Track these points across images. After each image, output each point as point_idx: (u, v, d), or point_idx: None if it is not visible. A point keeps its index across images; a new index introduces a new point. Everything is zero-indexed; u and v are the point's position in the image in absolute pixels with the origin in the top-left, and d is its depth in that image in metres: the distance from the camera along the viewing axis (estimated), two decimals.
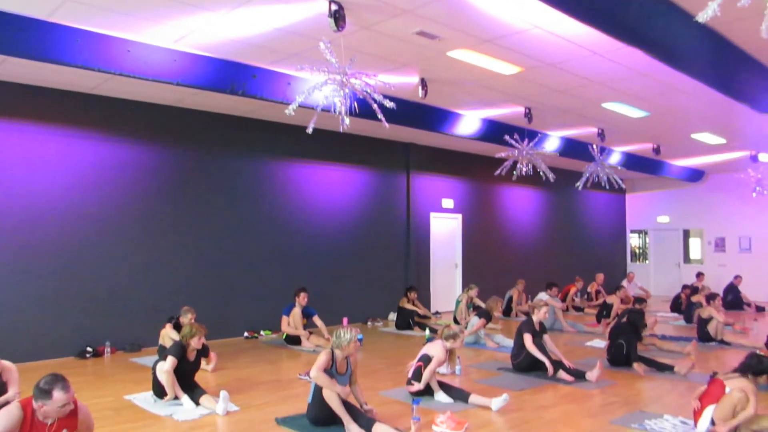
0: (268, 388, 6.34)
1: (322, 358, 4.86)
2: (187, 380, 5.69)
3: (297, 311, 8.81)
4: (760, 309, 13.95)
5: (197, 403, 5.47)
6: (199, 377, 5.89)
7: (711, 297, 9.71)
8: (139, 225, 8.76)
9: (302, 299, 8.89)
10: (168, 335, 7.30)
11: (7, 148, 7.71)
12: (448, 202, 13.44)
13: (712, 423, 4.72)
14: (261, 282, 10.02)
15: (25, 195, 7.79)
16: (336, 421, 4.79)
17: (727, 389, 4.72)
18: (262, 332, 9.81)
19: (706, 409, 4.81)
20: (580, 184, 11.55)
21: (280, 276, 10.21)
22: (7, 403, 3.49)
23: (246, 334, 9.68)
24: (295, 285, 9.27)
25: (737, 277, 14.29)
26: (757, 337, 9.48)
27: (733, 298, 13.95)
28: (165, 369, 5.48)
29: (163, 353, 5.84)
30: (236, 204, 9.83)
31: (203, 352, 5.90)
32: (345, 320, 10.55)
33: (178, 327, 7.30)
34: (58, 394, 3.12)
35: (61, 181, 8.10)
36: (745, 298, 14.11)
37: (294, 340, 8.79)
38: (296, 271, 10.42)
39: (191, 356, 5.74)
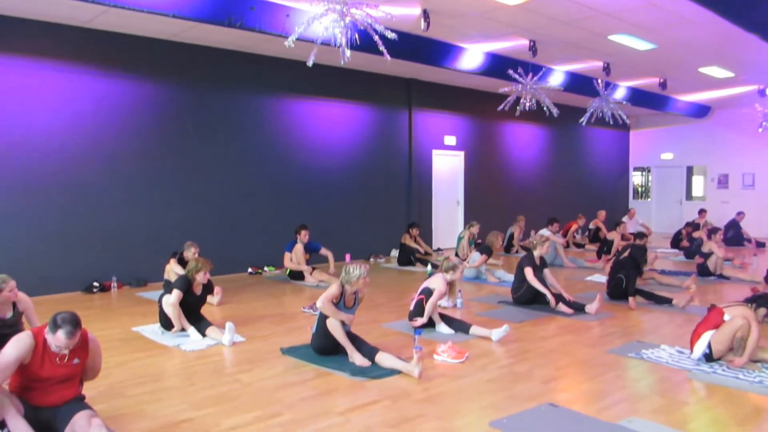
0: (272, 320, 6.46)
1: (333, 290, 4.92)
2: (194, 313, 5.79)
3: (299, 247, 8.89)
4: (760, 245, 14.03)
5: (204, 335, 5.59)
6: (205, 311, 6.00)
7: (712, 232, 9.76)
8: (140, 161, 8.74)
9: (303, 236, 8.95)
10: (172, 270, 7.41)
11: (3, 84, 7.60)
12: (450, 139, 13.33)
13: (709, 348, 4.82)
14: (264, 218, 10.07)
15: (24, 132, 7.74)
16: (339, 350, 4.91)
17: (726, 317, 4.81)
18: (265, 268, 9.93)
19: (703, 335, 4.90)
20: (584, 120, 11.43)
21: (283, 213, 10.25)
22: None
23: (250, 269, 9.80)
24: (299, 222, 9.31)
25: (740, 213, 14.31)
26: (756, 271, 9.57)
27: (734, 234, 14.01)
28: (171, 302, 5.57)
29: (168, 287, 5.93)
30: (238, 140, 9.76)
31: (208, 286, 5.98)
32: (348, 256, 10.65)
33: (182, 262, 7.39)
34: (61, 336, 3.17)
35: (61, 118, 8.02)
36: (745, 234, 14.17)
37: (297, 276, 8.90)
38: (299, 207, 10.45)
39: (197, 290, 5.82)
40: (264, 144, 10.10)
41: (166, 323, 5.71)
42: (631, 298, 7.17)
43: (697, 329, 5.01)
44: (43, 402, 3.28)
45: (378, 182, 11.86)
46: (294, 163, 10.51)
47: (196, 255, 7.17)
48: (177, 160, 9.10)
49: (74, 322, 3.20)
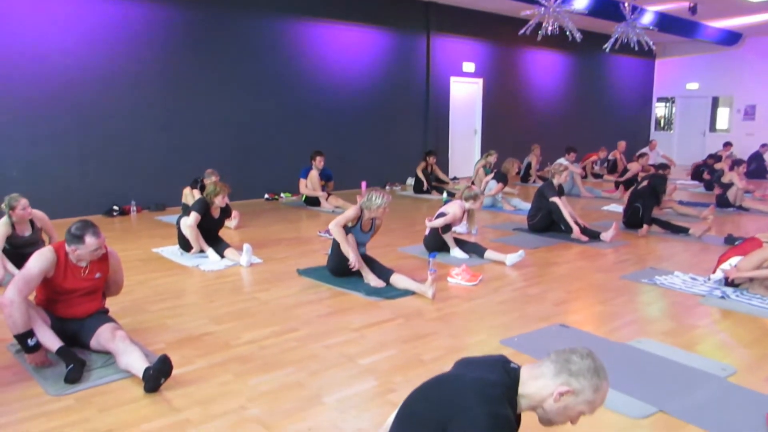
0: (289, 244, 6.57)
1: (350, 213, 4.96)
2: (212, 236, 5.90)
3: (314, 174, 8.89)
4: None
5: (222, 256, 5.71)
6: (223, 234, 6.10)
7: (735, 163, 9.60)
8: (159, 86, 8.68)
9: (318, 162, 8.95)
10: (190, 194, 7.48)
11: (16, 9, 7.49)
12: (469, 66, 13.03)
13: (727, 276, 4.83)
14: (280, 145, 10.06)
15: (43, 55, 7.68)
16: (355, 272, 4.99)
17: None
18: (282, 194, 10.00)
19: (731, 258, 4.89)
20: (608, 46, 11.05)
21: (299, 139, 10.21)
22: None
23: (266, 195, 9.88)
24: (315, 148, 9.30)
25: (764, 145, 14.01)
26: None
27: (756, 167, 13.77)
28: (189, 224, 5.66)
29: (186, 210, 6.01)
30: (255, 65, 9.62)
31: (226, 210, 6.06)
32: (363, 184, 10.68)
33: (202, 189, 7.45)
34: (90, 239, 3.25)
35: (76, 40, 7.93)
36: None
37: (313, 202, 8.96)
38: (315, 134, 10.40)
39: (215, 214, 5.90)
40: (280, 69, 9.96)
41: (185, 244, 5.82)
42: (645, 227, 7.14)
43: (726, 253, 4.99)
44: (68, 314, 3.40)
45: (394, 109, 11.72)
46: (310, 89, 10.38)
47: (216, 179, 7.22)
48: (195, 85, 9.03)
49: (89, 224, 3.30)
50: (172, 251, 6.03)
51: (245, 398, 2.95)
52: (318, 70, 10.46)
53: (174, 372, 3.11)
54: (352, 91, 11.00)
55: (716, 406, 2.91)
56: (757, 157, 13.94)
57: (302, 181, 8.97)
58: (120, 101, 8.35)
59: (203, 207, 5.77)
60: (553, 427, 1.95)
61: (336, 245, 4.98)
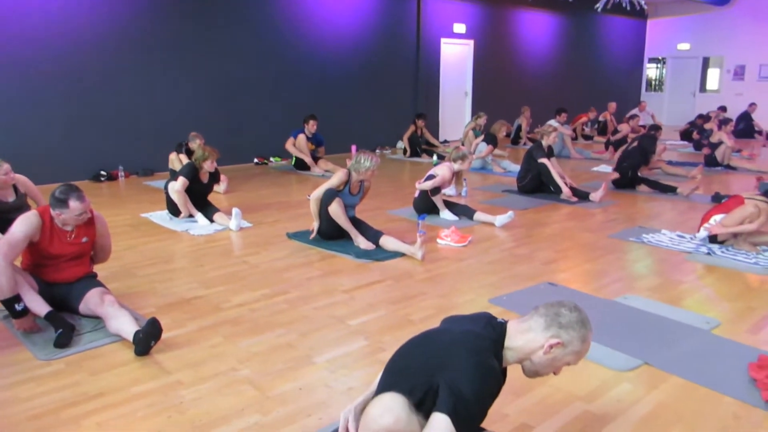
0: (278, 208, 6.55)
1: (339, 176, 4.93)
2: (201, 200, 5.87)
3: (302, 137, 8.80)
4: None
5: (211, 220, 5.70)
6: (212, 198, 6.07)
7: (723, 122, 9.61)
8: (146, 49, 8.50)
9: (311, 126, 8.87)
10: (177, 159, 7.42)
11: None
12: (459, 27, 12.85)
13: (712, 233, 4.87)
14: (269, 109, 9.95)
15: (23, 16, 7.47)
16: (344, 235, 5.00)
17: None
18: (271, 158, 9.93)
19: (714, 216, 4.93)
20: (599, 6, 10.96)
21: (288, 103, 10.10)
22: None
23: (256, 160, 9.81)
24: (304, 111, 9.20)
25: (752, 104, 14.01)
26: (764, 162, 9.51)
27: (745, 126, 13.80)
28: (176, 189, 5.62)
29: (174, 175, 5.96)
30: (243, 28, 9.44)
31: (215, 175, 6.01)
32: (353, 147, 10.60)
33: (188, 153, 7.38)
34: (74, 203, 3.22)
35: (60, 3, 7.73)
36: (757, 125, 13.95)
37: (303, 166, 8.91)
38: (305, 98, 10.29)
39: (203, 178, 5.86)
40: (269, 32, 9.78)
41: (174, 209, 5.80)
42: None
43: (711, 211, 5.03)
44: (56, 278, 3.39)
45: (384, 72, 11.58)
46: (300, 52, 10.23)
47: (202, 144, 7.14)
48: (183, 49, 8.85)
49: (74, 187, 3.26)
50: (161, 216, 6.00)
51: (236, 360, 2.97)
52: (307, 33, 10.29)
53: (164, 335, 3.12)
54: (342, 54, 10.84)
55: (699, 358, 2.96)
56: (745, 116, 13.96)
57: (290, 140, 8.86)
58: (106, 64, 8.19)
59: (191, 172, 5.73)
60: (537, 378, 2.00)
61: (324, 209, 4.96)
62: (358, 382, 2.75)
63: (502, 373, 1.94)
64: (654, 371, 2.86)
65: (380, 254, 4.72)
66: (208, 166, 5.76)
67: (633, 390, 2.69)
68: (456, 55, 13.01)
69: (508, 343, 1.92)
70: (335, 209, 4.87)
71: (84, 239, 3.43)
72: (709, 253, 4.74)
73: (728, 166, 9.25)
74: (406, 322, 3.46)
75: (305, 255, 4.78)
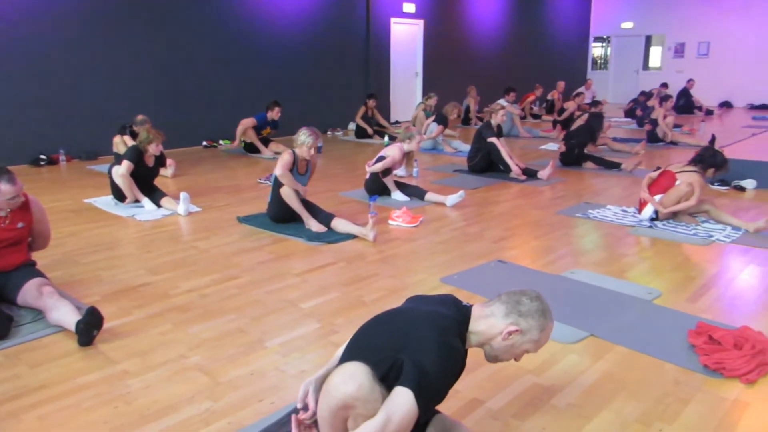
0: (228, 191, 6.44)
1: (286, 158, 4.87)
2: (147, 185, 5.72)
3: (248, 122, 8.55)
4: (709, 112, 14.35)
5: (158, 205, 5.56)
6: (159, 183, 5.92)
7: (663, 99, 9.89)
8: (89, 29, 8.17)
9: (275, 113, 8.72)
10: (122, 142, 7.19)
11: None
12: (409, 7, 12.80)
13: (655, 211, 5.03)
14: (218, 91, 9.72)
15: None
16: (295, 218, 4.95)
17: (678, 182, 4.96)
18: (221, 141, 9.73)
19: (654, 197, 5.08)
20: None
21: (238, 84, 9.90)
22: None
23: (204, 143, 9.60)
24: (253, 94, 9.08)
25: (690, 80, 14.47)
26: (703, 137, 9.83)
27: (685, 103, 14.25)
28: (120, 173, 5.46)
29: (118, 159, 5.78)
30: (190, 7, 9.15)
31: (161, 159, 5.86)
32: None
33: (133, 135, 7.16)
34: (4, 186, 3.07)
35: None
36: (697, 101, 14.42)
37: (253, 149, 8.77)
38: (254, 79, 10.10)
39: (149, 162, 5.70)
40: (217, 12, 9.53)
41: (119, 195, 5.63)
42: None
43: (650, 191, 5.17)
44: None
45: (335, 52, 11.46)
46: (249, 33, 10.00)
47: (148, 127, 6.93)
48: (127, 29, 8.53)
49: (4, 170, 3.13)
50: (105, 202, 5.82)
51: (185, 347, 2.92)
52: (255, 12, 10.07)
53: (110, 324, 3.04)
54: (291, 35, 10.66)
55: (642, 327, 3.07)
56: (685, 92, 14.41)
57: (246, 121, 8.61)
58: (43, 42, 7.82)
59: (136, 155, 5.56)
60: (498, 363, 2.04)
61: (276, 192, 4.91)
62: (311, 365, 2.74)
63: (464, 355, 1.97)
64: (599, 342, 2.94)
65: (332, 236, 4.70)
66: (153, 149, 5.60)
67: (579, 361, 2.77)
68: (406, 34, 12.97)
69: (471, 326, 1.96)
70: (287, 192, 4.82)
71: (20, 224, 3.29)
72: (651, 227, 4.90)
73: (670, 142, 9.55)
74: (358, 303, 3.46)
75: (256, 239, 4.72)
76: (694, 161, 5.06)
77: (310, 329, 3.12)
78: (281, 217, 4.99)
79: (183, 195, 5.42)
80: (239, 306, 3.42)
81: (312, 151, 4.93)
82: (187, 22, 9.21)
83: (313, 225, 4.86)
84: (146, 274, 3.93)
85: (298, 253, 4.39)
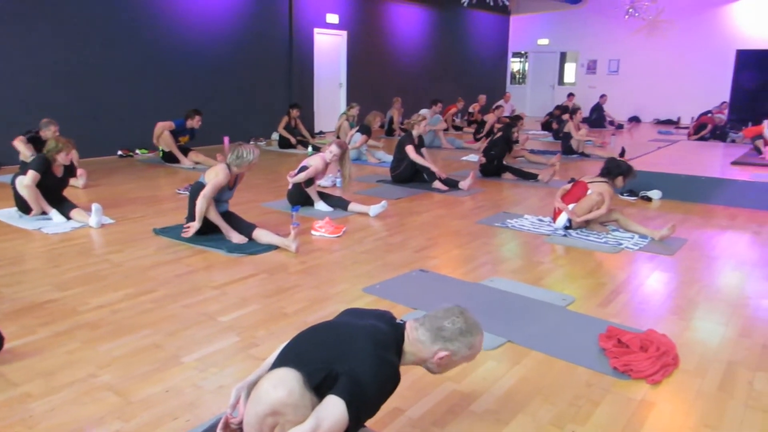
0: (144, 202, 6.21)
1: (221, 178, 4.69)
2: (55, 196, 5.42)
3: (164, 125, 8.30)
4: (619, 126, 15.14)
5: (68, 217, 5.29)
6: (69, 194, 5.64)
7: (572, 112, 10.37)
8: None
9: (196, 122, 8.49)
10: (26, 149, 6.73)
11: None
12: (332, 18, 12.84)
13: (569, 220, 5.24)
14: (136, 98, 9.38)
15: None
16: (215, 229, 4.83)
17: (589, 191, 5.19)
18: (137, 150, 9.38)
19: (569, 206, 5.29)
20: (465, 1, 11.36)
21: (155, 92, 9.59)
22: None
23: (120, 152, 9.22)
24: (172, 102, 8.83)
25: (602, 96, 15.22)
26: (614, 150, 10.35)
27: (597, 117, 14.97)
28: (25, 183, 5.16)
29: (24, 168, 5.46)
30: (105, 9, 8.78)
31: (70, 168, 5.58)
32: (226, 139, 10.28)
33: (38, 142, 6.76)
34: None
35: None
36: (608, 116, 15.18)
37: (172, 158, 8.50)
38: (173, 87, 9.82)
39: (57, 172, 5.42)
40: (134, 15, 9.20)
41: (24, 206, 5.31)
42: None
43: (564, 201, 5.37)
44: None
45: (257, 62, 11.31)
46: (168, 39, 9.72)
47: (56, 134, 6.60)
48: (34, 29, 8.10)
49: None
50: (8, 214, 5.47)
51: (95, 366, 2.78)
52: (176, 19, 9.80)
53: (11, 344, 2.86)
54: (213, 42, 10.45)
55: (556, 332, 3.18)
56: (597, 107, 15.15)
57: (163, 124, 8.32)
58: None
59: (43, 165, 5.27)
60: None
61: (194, 203, 4.77)
62: (230, 379, 2.67)
63: (399, 370, 1.98)
64: (516, 348, 3.02)
65: (253, 248, 4.62)
66: (62, 158, 5.33)
67: (497, 367, 2.83)
68: (329, 45, 12.99)
69: (405, 346, 2.00)
70: (203, 204, 4.67)
71: None
72: (565, 235, 5.10)
73: (583, 154, 10.00)
74: (280, 315, 3.41)
75: (174, 251, 4.57)
76: (602, 173, 5.32)
77: (229, 343, 3.04)
78: (200, 228, 4.85)
79: (95, 206, 5.18)
80: (154, 321, 3.29)
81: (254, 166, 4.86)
82: (99, 25, 8.85)
83: (234, 236, 4.75)
84: (53, 290, 3.72)
85: (217, 265, 4.28)
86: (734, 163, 7.80)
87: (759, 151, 8.19)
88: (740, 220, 5.95)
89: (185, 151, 8.55)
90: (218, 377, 2.70)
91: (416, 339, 1.99)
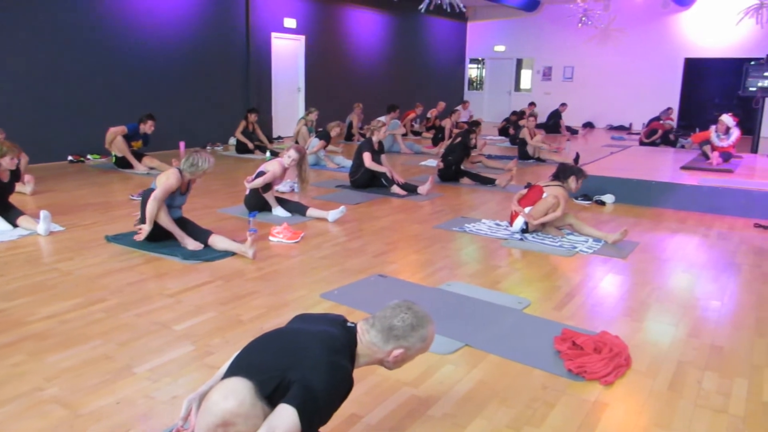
0: (96, 209, 6.04)
1: (172, 182, 4.60)
2: (1, 202, 5.22)
3: (117, 129, 8.10)
4: (574, 132, 15.47)
5: (14, 225, 5.10)
6: (17, 200, 5.44)
7: (526, 116, 10.56)
8: None
9: (149, 127, 8.30)
10: None
11: None
12: (290, 22, 12.76)
13: (525, 224, 5.31)
14: (88, 102, 9.12)
15: None
16: (170, 236, 4.72)
17: (545, 195, 5.28)
18: (89, 156, 9.13)
19: (525, 209, 5.37)
20: (423, 7, 11.44)
21: (107, 96, 9.34)
22: None
23: (70, 158, 8.95)
24: (125, 106, 8.63)
25: (563, 104, 15.53)
26: (568, 155, 10.55)
27: (553, 123, 15.26)
28: None
29: None
30: (54, 11, 8.51)
31: (16, 173, 5.39)
32: (182, 145, 10.13)
33: None
34: None
35: None
36: (563, 122, 15.50)
37: (125, 164, 8.30)
38: (126, 90, 9.58)
39: (3, 177, 5.23)
40: (86, 19, 8.94)
41: None
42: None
43: (520, 205, 5.45)
44: None
45: (214, 66, 11.15)
46: (121, 42, 9.48)
47: (2, 138, 6.37)
48: None
49: None
50: None
51: (42, 378, 2.68)
52: (130, 22, 9.58)
53: None
54: (168, 46, 10.25)
55: (513, 335, 3.21)
56: (555, 114, 15.44)
57: (115, 129, 8.11)
58: None
59: None
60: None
61: (146, 208, 4.66)
62: (184, 389, 2.61)
63: (352, 376, 1.97)
64: (474, 351, 3.04)
65: (209, 254, 4.54)
66: (8, 163, 5.14)
67: (455, 371, 2.85)
68: (287, 50, 12.91)
69: (358, 349, 2.00)
70: (153, 208, 4.56)
71: None
72: (521, 239, 5.17)
73: (539, 159, 10.17)
74: (236, 322, 3.36)
75: (126, 259, 4.46)
76: (554, 176, 5.43)
77: (183, 352, 2.97)
78: (154, 235, 4.73)
79: (43, 213, 5.01)
80: (105, 331, 3.20)
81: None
82: (49, 27, 8.59)
83: (189, 243, 4.66)
84: None
85: (172, 272, 4.19)
86: (684, 168, 8.04)
87: (707, 157, 8.46)
88: (690, 223, 6.14)
89: (139, 156, 8.36)
90: (172, 387, 2.63)
91: (369, 342, 1.99)
